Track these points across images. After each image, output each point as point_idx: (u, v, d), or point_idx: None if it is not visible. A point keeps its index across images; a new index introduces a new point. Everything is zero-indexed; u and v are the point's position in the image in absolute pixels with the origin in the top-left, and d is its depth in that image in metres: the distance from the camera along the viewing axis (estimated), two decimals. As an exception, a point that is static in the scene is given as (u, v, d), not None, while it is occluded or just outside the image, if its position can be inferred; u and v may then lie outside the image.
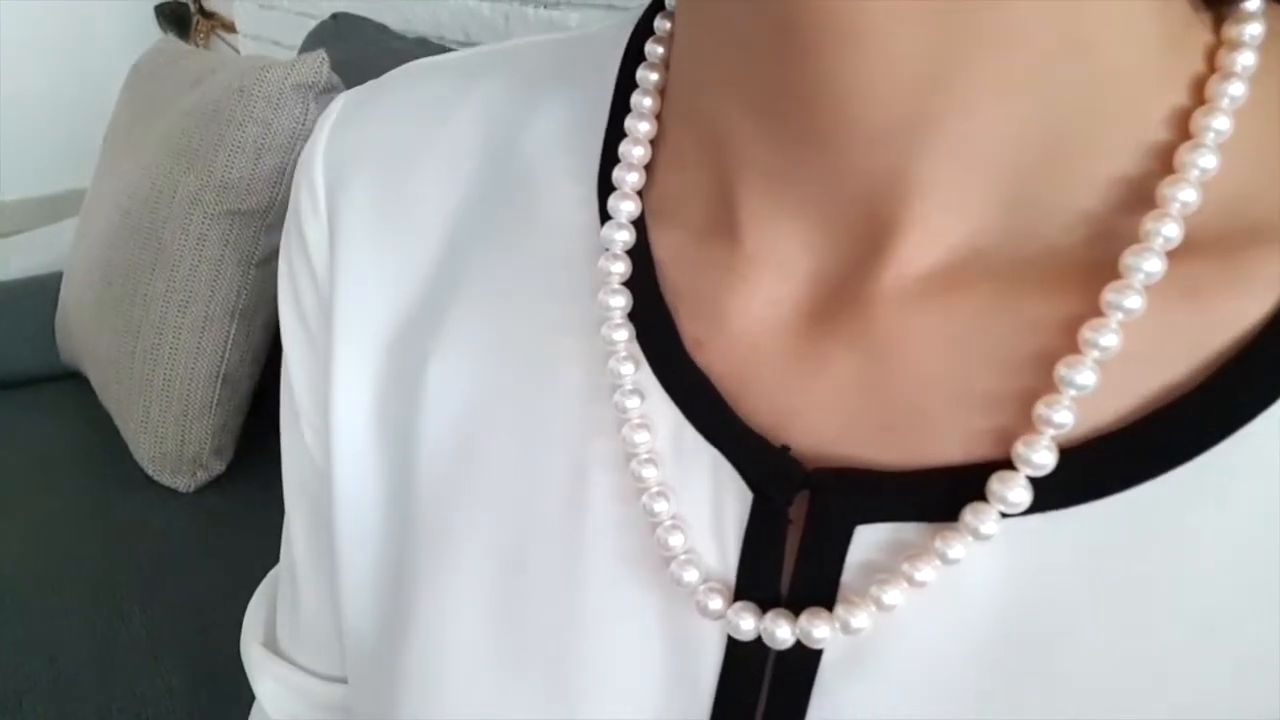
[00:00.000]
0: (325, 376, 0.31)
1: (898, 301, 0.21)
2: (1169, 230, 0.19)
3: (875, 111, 0.20)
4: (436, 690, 0.27)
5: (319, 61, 0.97)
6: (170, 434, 1.00)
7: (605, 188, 0.26)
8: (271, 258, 1.00)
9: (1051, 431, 0.19)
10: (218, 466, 1.03)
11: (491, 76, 0.30)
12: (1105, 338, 0.19)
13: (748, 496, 0.22)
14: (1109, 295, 0.19)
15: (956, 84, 0.19)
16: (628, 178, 0.25)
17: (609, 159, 0.26)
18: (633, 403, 0.24)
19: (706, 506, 0.23)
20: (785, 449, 0.22)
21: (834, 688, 0.22)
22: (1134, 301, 0.19)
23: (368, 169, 0.31)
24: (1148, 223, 0.19)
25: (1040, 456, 0.19)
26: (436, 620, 0.28)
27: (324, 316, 0.32)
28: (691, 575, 0.23)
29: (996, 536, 0.20)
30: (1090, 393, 0.19)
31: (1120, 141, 0.20)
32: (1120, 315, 0.19)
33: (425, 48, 1.13)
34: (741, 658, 0.23)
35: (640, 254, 0.25)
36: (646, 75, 0.26)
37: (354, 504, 0.30)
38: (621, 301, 0.24)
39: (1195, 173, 0.19)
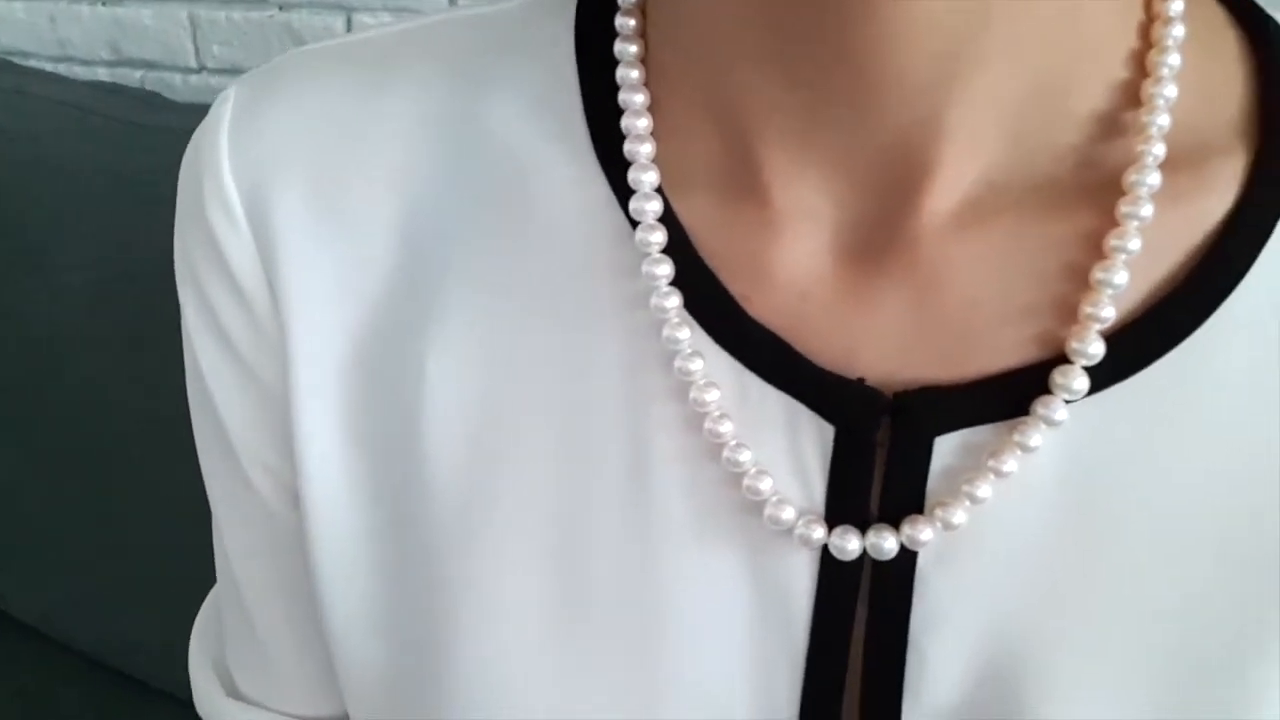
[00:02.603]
0: (283, 408, 0.30)
1: (936, 236, 0.24)
2: (1157, 150, 0.23)
3: (910, 72, 0.22)
4: (496, 701, 0.27)
5: None
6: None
7: (607, 163, 0.27)
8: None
9: (1098, 326, 0.23)
10: None
11: (413, 61, 0.29)
12: (1131, 242, 0.23)
13: (827, 431, 0.24)
14: (1124, 207, 0.23)
15: (980, 42, 0.22)
16: (641, 149, 0.26)
17: (598, 135, 0.27)
18: (695, 365, 0.25)
19: (783, 450, 0.25)
20: (861, 380, 0.24)
21: (932, 586, 0.24)
22: (1147, 210, 0.23)
23: (293, 172, 0.29)
24: (1139, 145, 0.23)
25: (1094, 348, 0.23)
26: (488, 628, 0.27)
27: (264, 343, 0.29)
28: (788, 513, 0.24)
29: (1065, 422, 0.23)
30: (1123, 290, 0.23)
31: (1095, 82, 0.24)
32: (1136, 222, 0.23)
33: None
34: (837, 581, 0.25)
35: (670, 222, 0.26)
36: (626, 48, 0.27)
37: (336, 537, 0.29)
38: (667, 269, 0.25)
39: (1162, 101, 0.23)
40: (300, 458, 0.29)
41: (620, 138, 0.26)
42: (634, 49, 0.27)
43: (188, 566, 0.41)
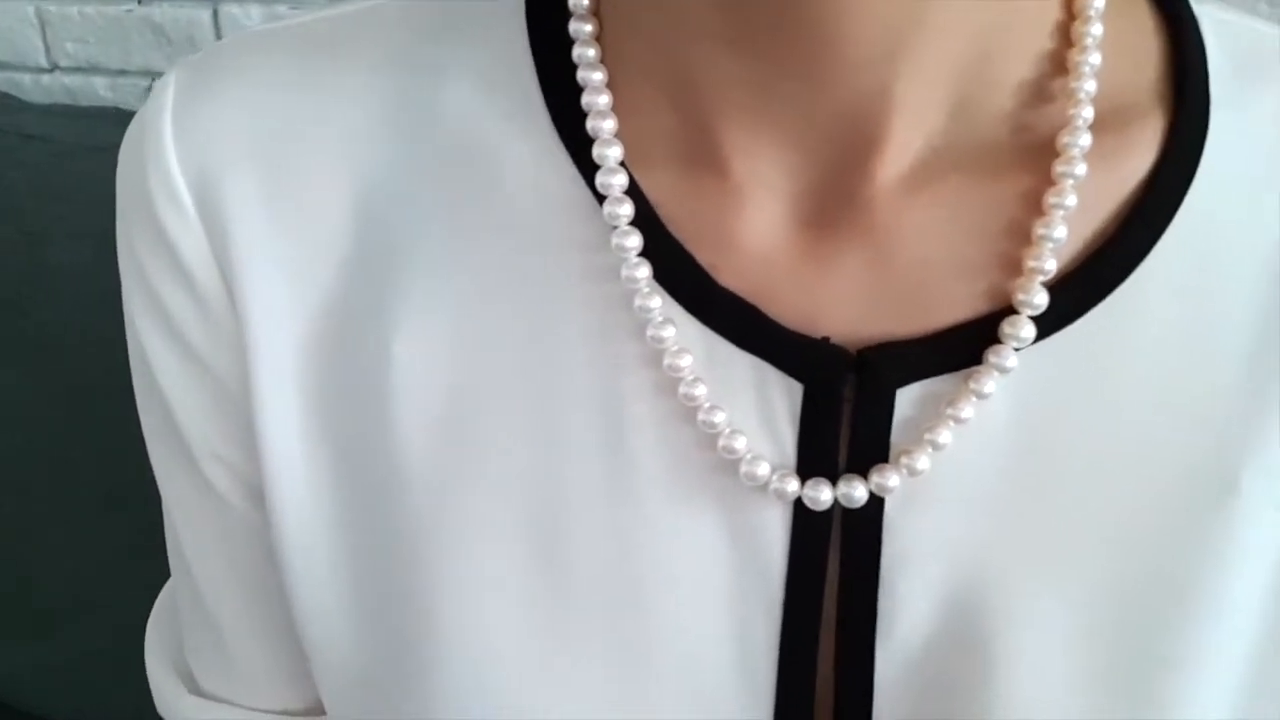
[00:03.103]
0: (239, 401, 0.29)
1: (888, 201, 0.26)
2: (1086, 113, 0.25)
3: (860, 46, 0.23)
4: (482, 674, 0.27)
5: None
6: None
7: (568, 140, 0.27)
8: None
9: (1041, 278, 0.25)
10: None
11: (360, 44, 0.29)
12: (1068, 199, 0.25)
13: (796, 389, 0.26)
14: (1060, 167, 0.25)
15: (923, 16, 0.23)
16: (603, 125, 0.26)
17: (557, 113, 0.27)
18: (668, 332, 0.26)
19: (754, 409, 0.26)
20: (826, 340, 0.25)
21: (900, 529, 0.26)
22: (1080, 169, 0.25)
23: (243, 159, 0.28)
24: (1070, 108, 0.25)
25: (1039, 298, 0.25)
26: (469, 604, 0.28)
27: (218, 335, 0.29)
28: (763, 469, 0.25)
29: (1015, 369, 0.25)
30: (1062, 244, 0.25)
31: (1025, 52, 0.26)
32: (1071, 180, 0.25)
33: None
34: (810, 531, 0.26)
35: (635, 196, 0.26)
36: (581, 28, 0.27)
37: (304, 529, 0.29)
38: (636, 241, 0.26)
39: (1088, 68, 0.26)
40: (263, 450, 0.28)
41: (579, 115, 0.27)
42: (589, 28, 0.27)
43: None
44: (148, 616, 0.38)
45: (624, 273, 0.26)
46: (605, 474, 0.27)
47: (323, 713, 0.35)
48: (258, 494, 0.31)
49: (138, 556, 0.52)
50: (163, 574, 0.36)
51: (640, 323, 0.26)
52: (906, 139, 0.25)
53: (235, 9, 1.17)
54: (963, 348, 0.25)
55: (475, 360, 0.27)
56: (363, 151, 0.28)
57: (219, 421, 0.30)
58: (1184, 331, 0.26)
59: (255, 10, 1.11)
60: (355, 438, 0.28)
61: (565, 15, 0.28)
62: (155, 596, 0.38)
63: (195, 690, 0.35)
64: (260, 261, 0.28)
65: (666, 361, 0.26)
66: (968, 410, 0.25)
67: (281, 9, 1.12)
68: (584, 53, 0.27)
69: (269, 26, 0.30)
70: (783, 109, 0.25)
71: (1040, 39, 0.26)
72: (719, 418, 0.25)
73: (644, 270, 0.26)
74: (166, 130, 0.28)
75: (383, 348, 0.28)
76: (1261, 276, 0.26)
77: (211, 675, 0.35)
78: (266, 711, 0.34)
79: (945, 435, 0.25)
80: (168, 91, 0.29)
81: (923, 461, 0.25)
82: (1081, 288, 0.25)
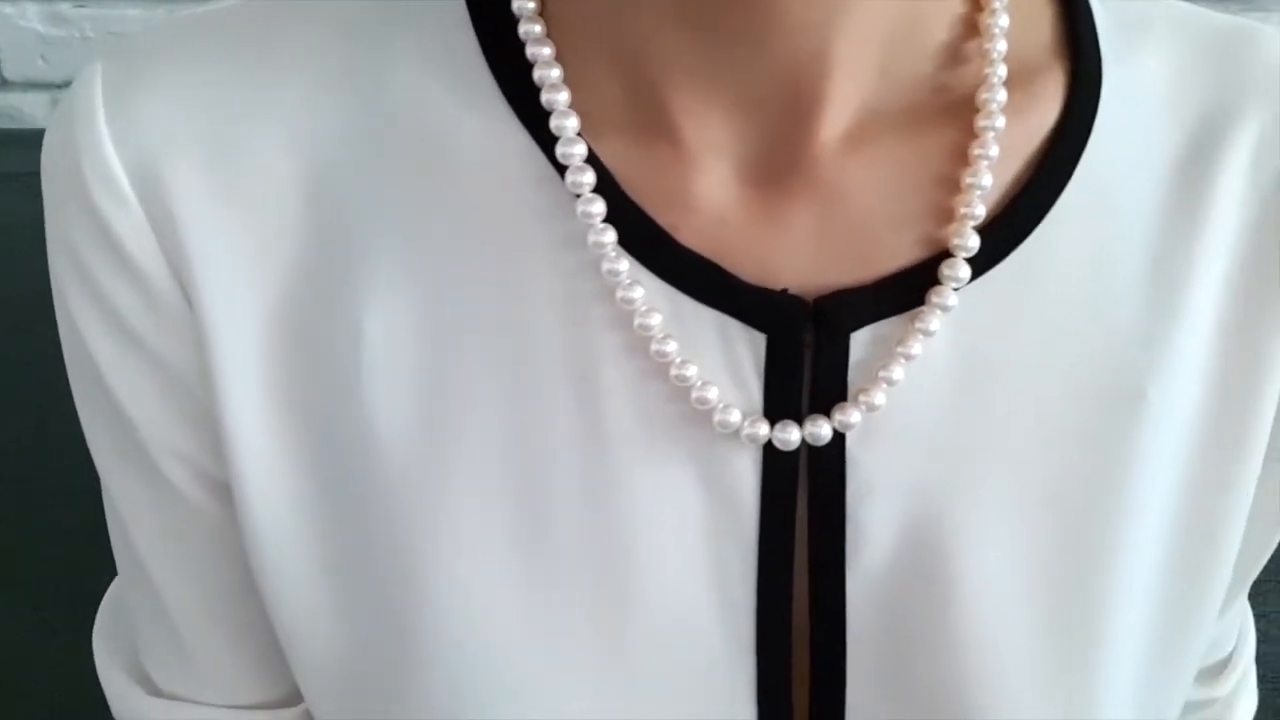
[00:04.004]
0: (196, 391, 0.29)
1: (831, 159, 0.28)
2: (1000, 71, 0.28)
3: (798, 10, 0.25)
4: (470, 636, 0.28)
5: None
6: None
7: (522, 113, 0.28)
8: None
9: (972, 222, 0.27)
10: None
11: (297, 25, 0.29)
12: (991, 150, 0.27)
13: (759, 340, 0.27)
14: (981, 121, 0.27)
15: None
16: (558, 98, 0.27)
17: (507, 87, 0.28)
18: (636, 293, 0.27)
19: (720, 361, 0.28)
20: (785, 291, 0.27)
21: (861, 462, 0.28)
22: (1000, 121, 0.27)
23: (184, 144, 0.28)
24: (985, 67, 0.28)
25: (971, 241, 0.27)
26: (454, 569, 0.28)
27: (168, 325, 0.29)
28: (735, 415, 0.27)
29: (955, 307, 0.27)
30: (988, 191, 0.27)
31: (941, 17, 0.28)
32: (993, 133, 0.27)
33: None
34: (779, 470, 0.28)
35: (593, 164, 0.27)
36: (525, 4, 0.28)
37: (276, 516, 0.29)
38: (600, 208, 0.27)
39: (998, 30, 0.28)
40: (229, 440, 0.28)
41: (531, 88, 0.27)
42: (531, 4, 0.28)
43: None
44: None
45: (590, 238, 0.27)
46: (582, 433, 0.28)
47: (293, 703, 0.35)
48: (221, 487, 0.30)
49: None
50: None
51: (609, 286, 0.27)
52: (844, 100, 0.27)
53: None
54: (907, 291, 0.28)
55: (447, 332, 0.28)
56: (308, 127, 0.28)
57: (175, 415, 0.30)
58: (1093, 262, 0.29)
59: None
60: (327, 419, 0.28)
61: None
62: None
63: (154, 692, 0.34)
64: (212, 247, 0.28)
65: (637, 321, 0.27)
66: (916, 348, 0.27)
67: None
68: (530, 29, 0.28)
69: (202, 10, 0.30)
70: (728, 74, 0.26)
71: (953, 4, 0.28)
72: (691, 371, 0.27)
73: (610, 235, 0.27)
74: (100, 122, 0.28)
75: (352, 325, 0.28)
76: (1153, 210, 0.29)
77: (172, 675, 0.34)
78: (234, 707, 0.34)
79: (898, 372, 0.27)
80: (95, 83, 0.28)
81: (879, 398, 0.27)
82: (1006, 229, 0.28)
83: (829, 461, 0.28)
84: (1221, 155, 0.30)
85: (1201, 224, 0.29)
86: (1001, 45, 0.28)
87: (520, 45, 0.28)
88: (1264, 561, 0.36)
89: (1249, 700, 0.42)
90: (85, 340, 0.29)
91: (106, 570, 0.35)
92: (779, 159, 0.28)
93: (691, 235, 0.27)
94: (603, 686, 0.28)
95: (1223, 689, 0.40)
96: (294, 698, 0.35)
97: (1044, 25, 0.30)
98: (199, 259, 0.28)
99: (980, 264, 0.28)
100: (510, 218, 0.28)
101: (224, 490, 0.31)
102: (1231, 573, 0.31)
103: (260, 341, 0.28)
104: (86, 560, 0.39)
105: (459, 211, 0.28)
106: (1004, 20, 0.28)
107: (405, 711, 0.29)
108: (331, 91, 0.28)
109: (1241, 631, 0.41)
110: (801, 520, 0.28)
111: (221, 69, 0.29)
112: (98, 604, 0.37)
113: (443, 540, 0.28)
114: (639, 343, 0.27)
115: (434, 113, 0.28)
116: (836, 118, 0.27)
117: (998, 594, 0.28)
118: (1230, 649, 0.40)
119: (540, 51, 0.27)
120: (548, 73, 0.27)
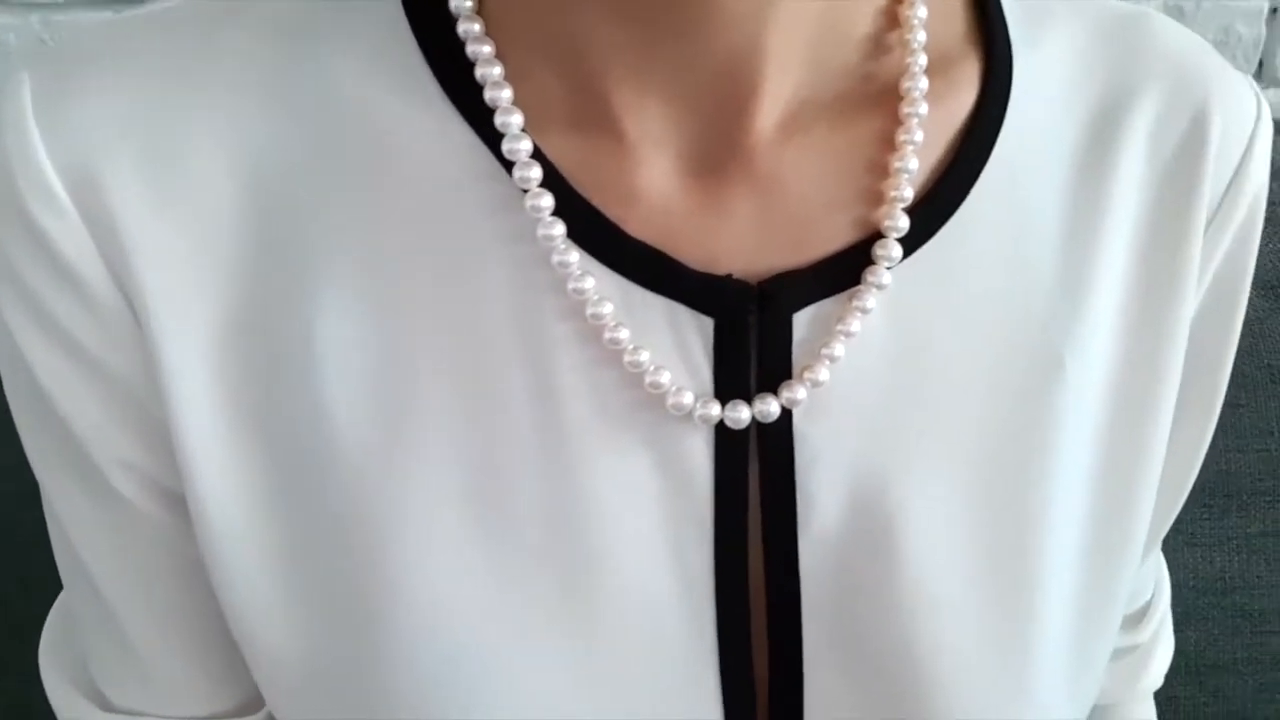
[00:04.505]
0: (143, 399, 0.29)
1: (768, 148, 0.29)
2: (921, 60, 0.29)
3: (734, 4, 0.26)
4: (439, 635, 0.29)
5: None
6: None
7: (465, 110, 0.28)
8: None
9: (902, 204, 0.29)
10: None
11: (230, 28, 0.29)
12: (916, 135, 0.29)
13: (707, 324, 0.28)
14: (906, 108, 0.29)
15: None
16: (502, 95, 0.28)
17: (449, 85, 0.28)
18: (588, 284, 0.28)
19: (670, 347, 0.29)
20: (730, 276, 0.28)
21: (808, 436, 0.29)
22: (923, 108, 0.29)
23: (121, 150, 0.28)
24: (906, 57, 0.29)
25: (901, 222, 0.29)
26: (418, 568, 0.29)
27: (111, 334, 0.28)
28: (688, 398, 0.28)
29: (889, 285, 0.29)
30: (914, 175, 0.29)
31: (864, 9, 0.30)
32: (917, 119, 0.29)
33: None
34: (731, 449, 0.29)
35: (539, 159, 0.28)
36: (461, 3, 0.28)
37: (232, 523, 0.29)
38: (549, 201, 0.28)
39: (917, 21, 0.30)
40: (181, 447, 0.28)
41: (473, 86, 0.28)
42: (469, 3, 0.28)
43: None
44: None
45: (540, 232, 0.28)
46: (538, 423, 0.28)
47: (252, 710, 0.35)
48: (171, 496, 0.30)
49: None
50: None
51: (560, 278, 0.28)
52: (777, 90, 0.28)
53: None
54: (844, 272, 0.29)
55: (401, 328, 0.28)
56: (247, 130, 0.28)
57: (121, 425, 0.29)
58: (1012, 237, 0.31)
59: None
60: (282, 421, 0.28)
61: None
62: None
63: (107, 707, 0.34)
64: (153, 251, 0.28)
65: (589, 311, 0.28)
66: (855, 325, 0.29)
67: None
68: (469, 27, 0.28)
69: (131, 15, 0.30)
70: (666, 68, 0.27)
71: None
72: (643, 357, 0.28)
73: (559, 228, 0.28)
74: (32, 130, 0.27)
75: (304, 326, 0.28)
76: (1063, 187, 0.31)
77: (125, 689, 0.34)
78: (190, 718, 0.34)
79: (839, 349, 0.29)
80: (23, 91, 0.28)
81: (823, 374, 0.29)
82: (932, 210, 0.30)
83: (777, 437, 0.29)
84: (1122, 134, 0.32)
85: (1107, 199, 0.31)
86: (921, 35, 0.29)
87: (459, 44, 0.28)
88: (1176, 513, 0.38)
89: (1166, 646, 0.45)
90: (24, 352, 0.29)
91: (53, 584, 0.35)
92: (718, 149, 0.29)
93: (638, 225, 0.28)
94: (572, 674, 0.29)
95: (1143, 635, 0.42)
96: (252, 705, 0.35)
97: (957, 16, 0.32)
98: (141, 264, 0.28)
99: (910, 243, 0.29)
100: (458, 214, 0.28)
101: (174, 498, 0.30)
102: (1149, 523, 0.34)
103: (209, 345, 0.28)
104: (33, 571, 0.38)
105: (407, 210, 0.28)
106: (922, 12, 0.30)
107: (373, 711, 0.29)
108: (269, 94, 0.28)
109: (1158, 580, 0.44)
110: (754, 495, 0.29)
111: (154, 73, 0.28)
112: (43, 619, 0.36)
113: (406, 538, 0.28)
114: (592, 332, 0.28)
115: (376, 113, 0.28)
116: (771, 108, 0.28)
117: (939, 552, 0.30)
118: (1148, 597, 0.43)
119: (480, 50, 0.28)
120: (489, 70, 0.28)
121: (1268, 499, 0.60)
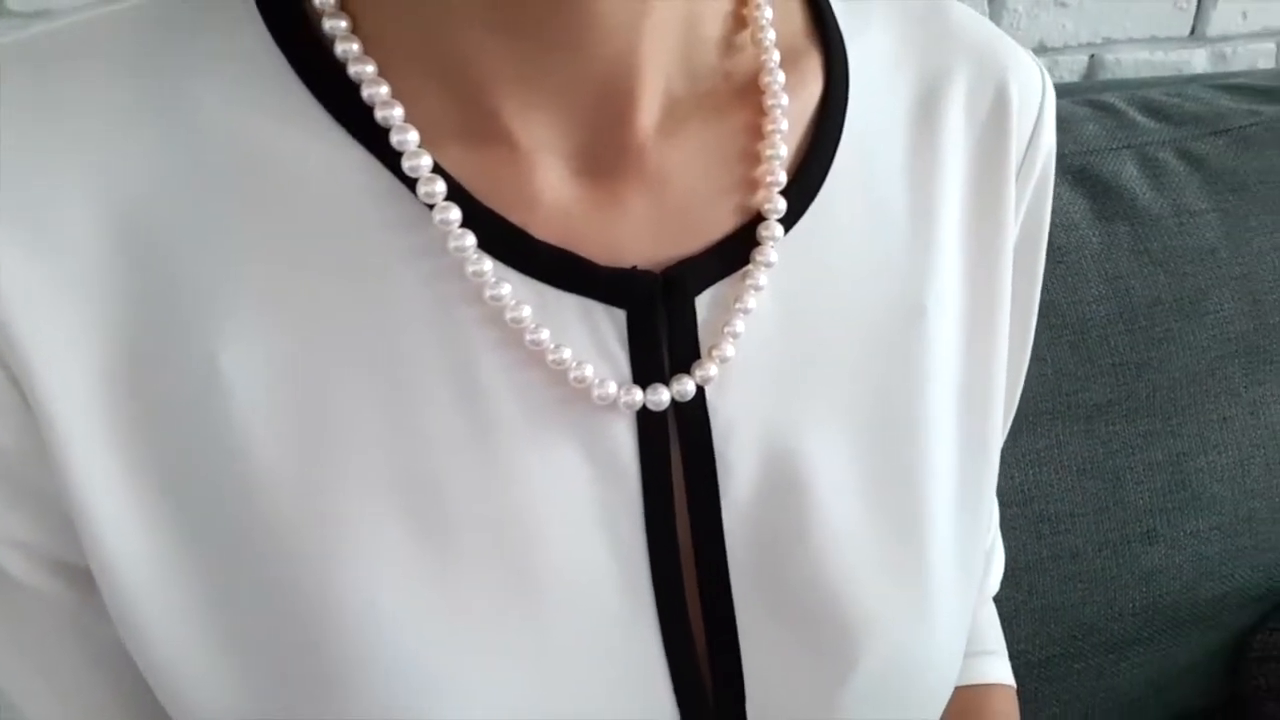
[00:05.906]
0: (28, 472, 0.28)
1: (652, 146, 0.31)
2: (774, 56, 0.32)
3: (608, 15, 0.28)
4: (384, 653, 0.29)
5: None
6: None
7: (355, 130, 0.28)
8: None
9: (777, 188, 0.32)
10: None
11: (82, 60, 0.28)
12: (781, 124, 0.32)
13: (619, 316, 0.30)
14: (769, 100, 0.32)
15: None
16: (394, 114, 0.28)
17: (332, 105, 0.28)
18: (504, 290, 0.29)
19: (588, 341, 0.30)
20: (635, 269, 0.30)
21: (720, 408, 0.31)
22: (784, 99, 0.32)
23: None
24: (761, 55, 0.32)
25: (779, 204, 0.32)
26: (358, 590, 0.28)
27: None
28: (611, 387, 0.30)
29: (775, 262, 0.32)
30: (784, 159, 0.32)
31: (715, 13, 0.32)
32: (780, 110, 0.32)
33: None
34: (654, 430, 0.31)
35: (439, 173, 0.28)
36: (336, 24, 0.28)
37: (147, 581, 0.28)
38: (457, 214, 0.28)
39: (765, 21, 0.32)
40: (81, 511, 0.27)
41: (359, 106, 0.28)
42: (344, 24, 0.28)
43: None
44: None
45: (451, 244, 0.28)
46: (468, 429, 0.29)
47: None
48: (70, 570, 0.29)
49: None
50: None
51: (476, 287, 0.28)
52: (653, 92, 0.30)
53: None
54: (735, 254, 0.31)
55: (312, 349, 0.28)
56: (111, 168, 0.27)
57: (10, 503, 0.28)
58: (868, 205, 0.34)
59: None
60: (188, 466, 0.27)
61: (298, 9, 0.28)
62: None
63: None
64: (26, 309, 0.26)
65: (509, 315, 0.29)
66: (751, 301, 0.31)
67: None
68: (348, 47, 0.28)
69: None
70: (551, 78, 0.29)
71: (724, 2, 0.32)
72: (566, 354, 0.29)
73: (470, 239, 0.28)
74: None
75: (205, 361, 0.27)
76: (902, 154, 0.35)
77: None
78: None
79: (739, 325, 0.31)
80: None
81: (729, 350, 0.31)
82: (802, 190, 0.33)
83: (694, 413, 0.31)
84: (943, 105, 0.36)
85: (939, 161, 0.36)
86: (770, 34, 0.32)
87: (337, 64, 0.28)
88: (1013, 415, 0.45)
89: (1000, 553, 0.51)
90: None
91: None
92: (607, 151, 0.30)
93: (541, 229, 0.29)
94: (523, 666, 0.30)
95: (985, 543, 0.48)
96: None
97: (796, 15, 0.35)
98: (14, 324, 0.26)
99: (788, 221, 0.32)
100: (360, 233, 0.28)
101: (75, 572, 0.29)
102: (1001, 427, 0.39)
103: (97, 401, 0.27)
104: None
105: (304, 233, 0.28)
106: (769, 13, 0.33)
107: None
108: (131, 128, 0.27)
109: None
110: (677, 469, 0.31)
111: (9, 112, 0.27)
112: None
113: (341, 557, 0.28)
114: (513, 335, 0.29)
115: (253, 138, 0.28)
116: (650, 109, 0.30)
117: (843, 495, 0.33)
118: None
119: (364, 70, 0.28)
120: (377, 90, 0.28)
121: (1048, 416, 0.69)
